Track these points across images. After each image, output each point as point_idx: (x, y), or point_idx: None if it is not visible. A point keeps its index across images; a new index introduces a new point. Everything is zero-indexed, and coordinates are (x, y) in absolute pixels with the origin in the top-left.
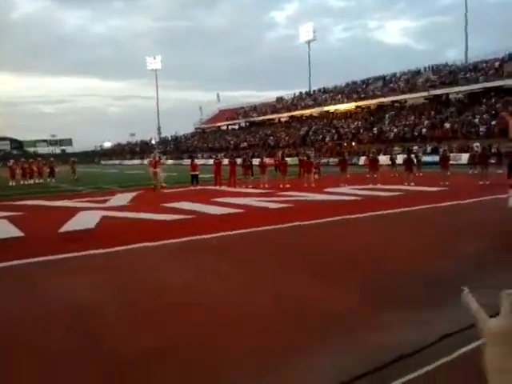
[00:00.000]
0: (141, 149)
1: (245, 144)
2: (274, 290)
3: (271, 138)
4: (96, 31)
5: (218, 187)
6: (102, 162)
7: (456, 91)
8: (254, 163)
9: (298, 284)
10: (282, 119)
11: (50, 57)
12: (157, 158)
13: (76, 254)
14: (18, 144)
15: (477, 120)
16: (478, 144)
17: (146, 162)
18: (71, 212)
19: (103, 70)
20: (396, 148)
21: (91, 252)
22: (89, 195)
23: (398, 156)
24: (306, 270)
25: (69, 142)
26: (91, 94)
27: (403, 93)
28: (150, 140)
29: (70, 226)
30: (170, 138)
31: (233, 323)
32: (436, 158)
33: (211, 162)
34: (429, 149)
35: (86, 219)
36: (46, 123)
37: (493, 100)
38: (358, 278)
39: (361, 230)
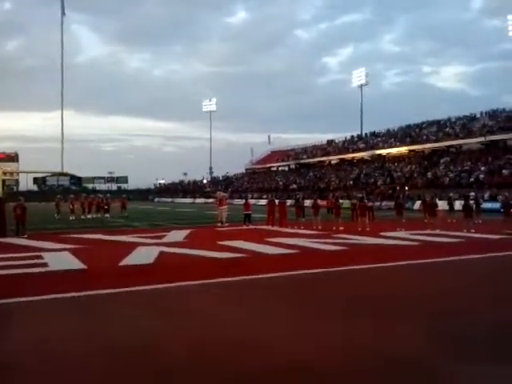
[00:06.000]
0: (193, 188)
1: (294, 185)
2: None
3: (321, 180)
4: (155, 74)
5: (270, 227)
6: (156, 200)
7: None
8: (306, 204)
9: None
10: (333, 162)
11: (109, 97)
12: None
13: (137, 287)
14: (76, 180)
15: None
16: None
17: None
18: (130, 247)
19: (159, 111)
20: (451, 194)
21: (152, 287)
22: (145, 231)
23: (456, 201)
24: (372, 314)
25: (125, 179)
26: (147, 134)
27: (459, 138)
28: (202, 179)
29: (130, 260)
30: (220, 178)
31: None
32: (495, 205)
33: (261, 202)
34: (486, 195)
35: (144, 254)
36: (104, 161)
37: None
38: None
39: (423, 276)
